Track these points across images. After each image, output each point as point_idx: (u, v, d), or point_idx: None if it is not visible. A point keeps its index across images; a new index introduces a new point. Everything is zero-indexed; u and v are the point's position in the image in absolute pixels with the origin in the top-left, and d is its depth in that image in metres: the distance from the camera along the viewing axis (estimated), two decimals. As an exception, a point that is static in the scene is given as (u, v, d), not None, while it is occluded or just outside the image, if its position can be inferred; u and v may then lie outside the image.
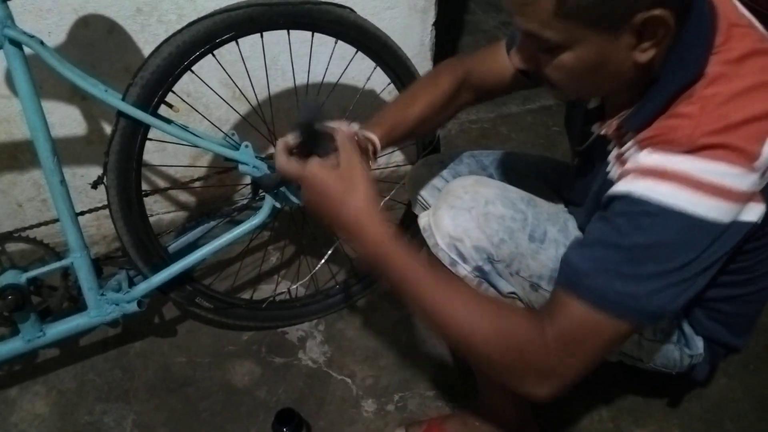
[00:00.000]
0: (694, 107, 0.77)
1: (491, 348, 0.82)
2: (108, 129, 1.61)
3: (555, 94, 0.89)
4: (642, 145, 0.81)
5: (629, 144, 0.85)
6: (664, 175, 0.76)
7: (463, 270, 1.01)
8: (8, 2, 1.05)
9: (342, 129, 0.92)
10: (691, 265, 0.77)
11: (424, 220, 1.05)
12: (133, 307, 1.30)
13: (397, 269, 0.85)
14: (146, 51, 1.52)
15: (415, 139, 1.19)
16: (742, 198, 0.76)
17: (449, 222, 1.00)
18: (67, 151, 1.60)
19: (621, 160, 0.88)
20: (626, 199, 0.78)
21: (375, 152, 1.04)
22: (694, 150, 0.75)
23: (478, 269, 1.01)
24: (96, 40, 1.48)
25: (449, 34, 2.57)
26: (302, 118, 0.89)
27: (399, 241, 0.85)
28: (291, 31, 1.26)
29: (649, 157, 0.78)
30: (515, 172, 1.28)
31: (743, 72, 0.78)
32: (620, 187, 0.79)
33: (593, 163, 1.02)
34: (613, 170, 0.90)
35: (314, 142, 0.90)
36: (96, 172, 1.27)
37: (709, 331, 1.08)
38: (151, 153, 1.67)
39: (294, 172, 0.90)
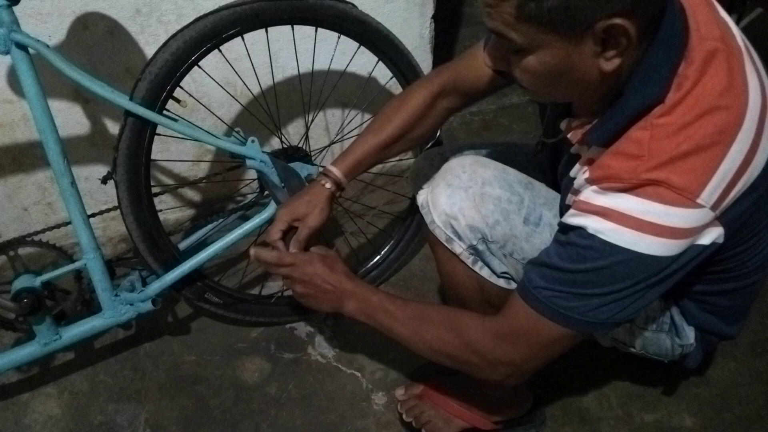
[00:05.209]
0: (645, 133, 0.79)
1: (450, 349, 0.98)
2: (112, 130, 1.61)
3: (527, 93, 0.91)
4: (593, 183, 0.83)
5: (594, 151, 0.88)
6: (609, 215, 0.81)
7: (459, 247, 1.04)
8: (14, 7, 1.05)
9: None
10: (634, 287, 0.83)
11: (422, 197, 1.08)
12: (147, 306, 1.30)
13: (374, 313, 1.06)
14: (147, 52, 1.52)
15: (398, 156, 1.23)
16: (688, 234, 0.80)
17: (446, 200, 1.03)
18: (70, 154, 1.59)
19: (588, 161, 0.89)
20: (578, 231, 0.84)
21: (340, 187, 1.14)
22: (637, 186, 0.78)
23: (473, 248, 1.03)
24: (96, 42, 1.48)
25: (448, 26, 2.57)
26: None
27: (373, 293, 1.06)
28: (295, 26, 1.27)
29: (597, 197, 0.82)
30: (515, 163, 1.28)
31: (700, 101, 0.78)
32: (574, 219, 0.85)
33: (556, 156, 1.06)
34: (579, 173, 0.90)
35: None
36: (100, 173, 1.27)
37: (701, 321, 1.09)
38: (154, 153, 1.67)
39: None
